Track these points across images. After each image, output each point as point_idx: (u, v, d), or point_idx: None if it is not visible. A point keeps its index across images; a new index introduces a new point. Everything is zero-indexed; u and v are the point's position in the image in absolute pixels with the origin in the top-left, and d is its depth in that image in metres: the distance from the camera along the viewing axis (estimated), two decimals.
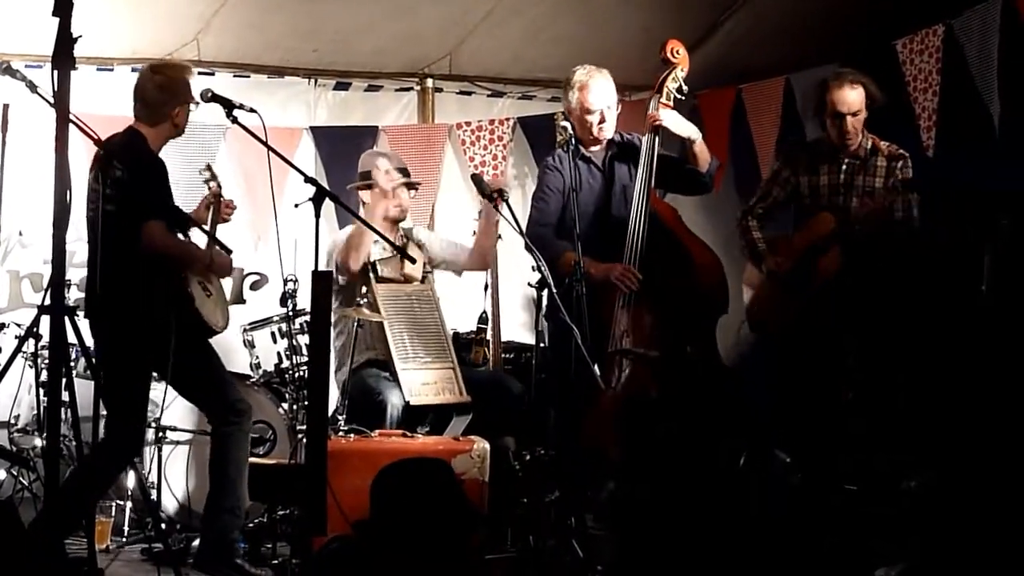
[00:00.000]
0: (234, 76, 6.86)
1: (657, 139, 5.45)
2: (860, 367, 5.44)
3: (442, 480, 3.92)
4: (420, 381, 5.57)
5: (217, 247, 5.07)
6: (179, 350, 4.68)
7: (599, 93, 5.47)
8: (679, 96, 5.53)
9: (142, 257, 4.75)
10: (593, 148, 5.58)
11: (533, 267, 4.98)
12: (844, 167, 5.51)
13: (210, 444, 4.97)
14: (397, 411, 5.45)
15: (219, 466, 4.90)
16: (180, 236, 4.99)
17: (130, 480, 5.52)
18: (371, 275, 5.69)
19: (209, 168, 5.38)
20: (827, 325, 5.46)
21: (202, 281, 5.03)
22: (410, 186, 6.02)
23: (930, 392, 5.35)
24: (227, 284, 6.81)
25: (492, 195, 5.46)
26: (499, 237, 5.86)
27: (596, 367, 4.90)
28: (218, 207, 5.20)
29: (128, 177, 4.68)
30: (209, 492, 4.93)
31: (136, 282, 4.74)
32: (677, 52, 5.53)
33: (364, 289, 5.57)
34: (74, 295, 5.78)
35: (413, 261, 5.39)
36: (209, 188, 5.27)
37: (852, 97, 5.38)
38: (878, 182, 5.47)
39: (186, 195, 6.27)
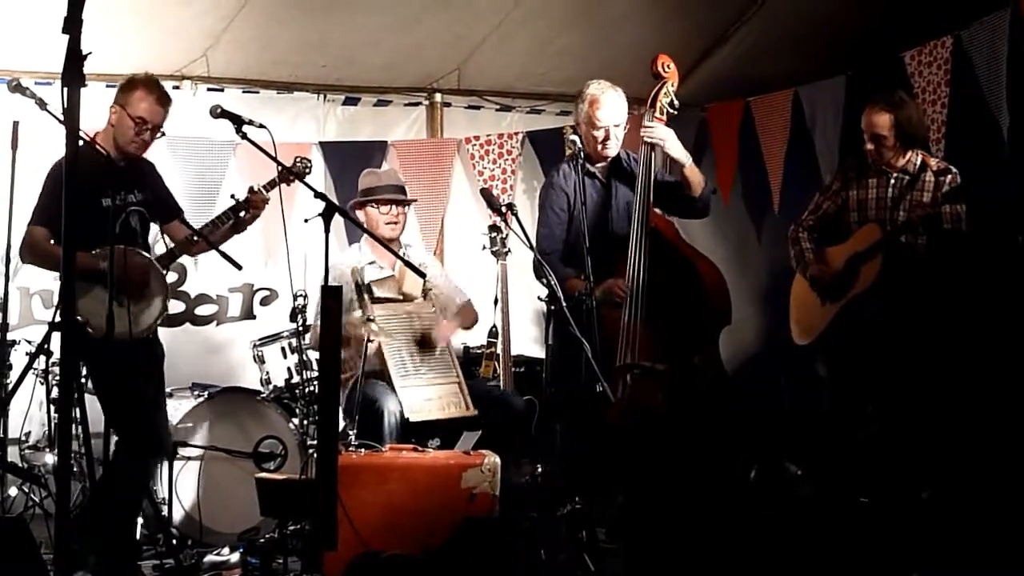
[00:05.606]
0: (243, 92, 6.87)
1: (654, 155, 5.47)
2: (890, 382, 5.44)
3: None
4: (422, 397, 5.52)
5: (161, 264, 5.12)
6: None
7: (608, 110, 5.47)
8: (672, 111, 5.56)
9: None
10: (598, 163, 5.58)
11: (543, 281, 4.98)
12: (892, 182, 5.60)
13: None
14: (395, 418, 5.39)
15: None
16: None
17: None
18: (366, 296, 5.68)
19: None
20: (859, 332, 5.49)
21: (115, 288, 4.83)
22: (402, 203, 6.00)
23: (954, 402, 5.38)
24: (236, 300, 6.86)
25: (502, 209, 5.47)
26: (508, 252, 5.84)
27: (604, 382, 4.88)
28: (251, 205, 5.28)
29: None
30: None
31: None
32: (667, 67, 5.57)
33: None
34: None
35: (423, 275, 5.39)
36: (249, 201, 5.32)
37: (876, 120, 5.53)
38: (926, 196, 5.54)
39: (196, 209, 6.28)
